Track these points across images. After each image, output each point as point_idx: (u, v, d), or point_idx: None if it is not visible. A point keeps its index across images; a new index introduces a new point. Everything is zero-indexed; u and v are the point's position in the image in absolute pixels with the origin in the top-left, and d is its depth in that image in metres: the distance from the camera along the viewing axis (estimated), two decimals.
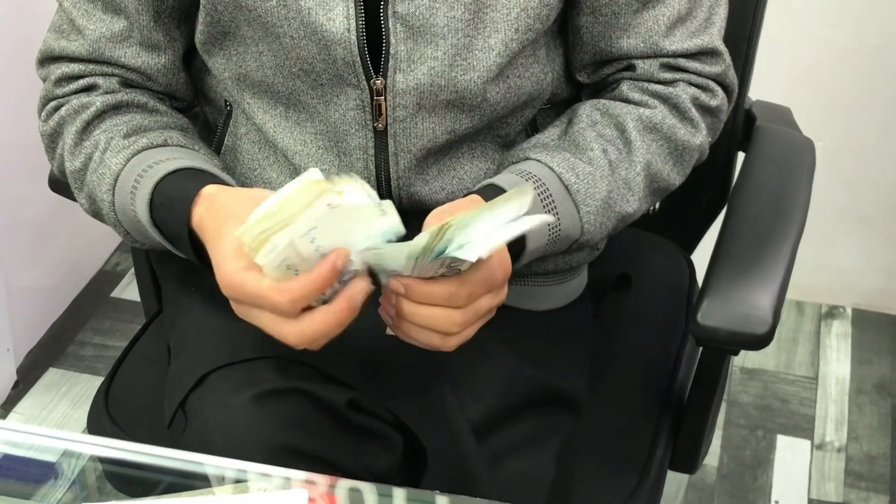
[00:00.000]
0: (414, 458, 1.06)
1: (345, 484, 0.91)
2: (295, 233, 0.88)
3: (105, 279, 2.35)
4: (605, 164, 1.10)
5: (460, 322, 0.95)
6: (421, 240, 0.89)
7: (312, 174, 0.89)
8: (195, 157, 1.08)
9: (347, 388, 1.02)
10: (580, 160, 1.09)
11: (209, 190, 1.02)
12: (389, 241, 0.92)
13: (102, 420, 1.25)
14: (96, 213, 1.13)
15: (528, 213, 1.03)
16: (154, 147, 1.09)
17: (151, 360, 1.28)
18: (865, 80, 2.11)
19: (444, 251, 0.90)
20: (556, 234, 1.07)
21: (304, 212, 0.87)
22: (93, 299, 2.30)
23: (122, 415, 1.25)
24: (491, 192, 1.05)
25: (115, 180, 1.08)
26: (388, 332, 0.99)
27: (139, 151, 1.08)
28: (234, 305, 0.95)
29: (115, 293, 2.32)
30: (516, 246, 1.04)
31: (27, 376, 2.12)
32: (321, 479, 0.91)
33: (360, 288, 0.91)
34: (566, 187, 1.07)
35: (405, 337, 0.97)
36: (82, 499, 0.98)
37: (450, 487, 1.06)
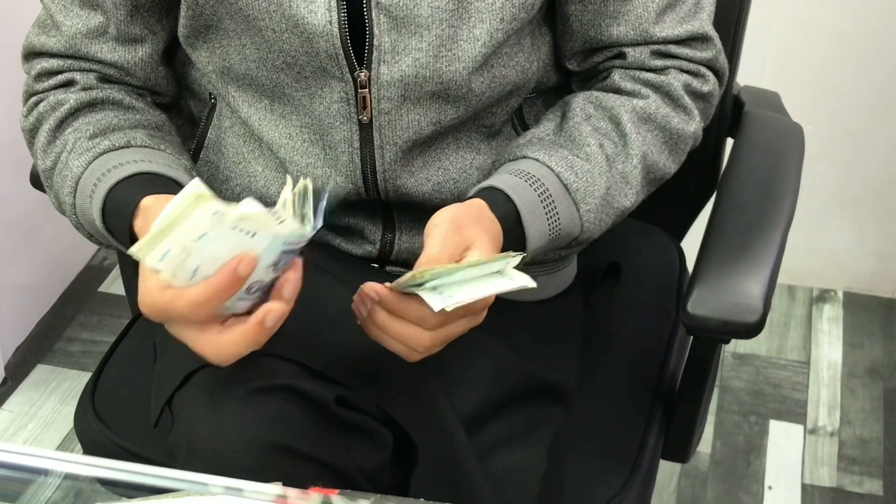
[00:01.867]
0: (404, 455, 1.05)
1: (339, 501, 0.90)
2: (184, 237, 0.86)
3: (92, 274, 2.34)
4: (602, 160, 1.09)
5: (427, 345, 0.95)
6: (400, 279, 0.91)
7: (195, 187, 0.87)
8: (156, 159, 1.07)
9: (336, 384, 1.01)
10: (578, 157, 1.08)
11: (146, 202, 1.00)
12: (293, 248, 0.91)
13: (89, 418, 1.24)
14: (63, 213, 1.13)
15: (525, 219, 1.05)
16: (116, 149, 1.08)
17: (138, 358, 1.27)
18: (854, 62, 2.11)
19: (416, 285, 0.91)
20: (556, 234, 1.07)
21: (189, 217, 0.85)
22: (80, 294, 2.29)
23: (109, 413, 1.24)
24: (490, 196, 1.04)
25: (77, 183, 1.07)
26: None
27: (100, 154, 1.07)
28: (166, 326, 0.94)
29: (103, 288, 2.31)
30: (517, 247, 1.04)
31: (15, 373, 2.11)
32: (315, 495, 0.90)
33: (273, 313, 0.90)
34: (565, 187, 1.07)
35: (372, 337, 0.98)
36: (73, 496, 0.97)
37: (441, 482, 1.05)
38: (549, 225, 1.06)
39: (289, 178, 0.92)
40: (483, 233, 0.99)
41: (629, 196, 1.11)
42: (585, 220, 1.08)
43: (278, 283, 0.92)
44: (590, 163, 1.08)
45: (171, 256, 0.87)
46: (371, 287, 0.95)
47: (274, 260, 0.90)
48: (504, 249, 1.02)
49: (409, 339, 0.95)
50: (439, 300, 0.90)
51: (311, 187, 0.92)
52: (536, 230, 1.05)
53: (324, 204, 0.93)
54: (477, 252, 0.96)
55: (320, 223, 0.92)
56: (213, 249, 0.87)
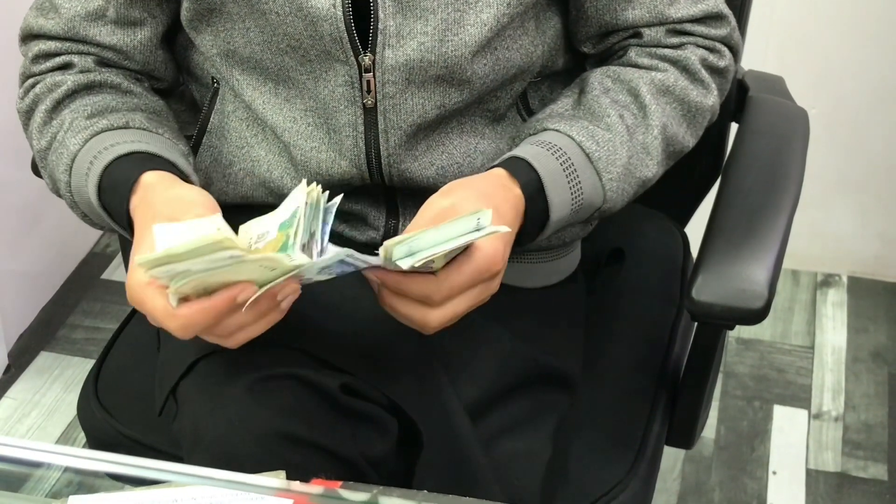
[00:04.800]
0: (409, 442, 1.05)
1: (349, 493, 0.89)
2: (195, 267, 0.86)
3: (95, 261, 2.34)
4: (623, 130, 1.09)
5: (435, 322, 0.96)
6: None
7: (215, 228, 0.88)
8: (154, 141, 1.07)
9: (340, 372, 1.01)
10: (598, 127, 1.09)
11: (147, 178, 1.01)
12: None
13: (92, 407, 1.23)
14: (58, 193, 1.12)
15: (548, 188, 1.04)
16: (114, 129, 1.08)
17: (141, 345, 1.27)
18: (858, 46, 2.10)
19: (391, 257, 0.91)
20: (578, 204, 1.07)
21: (204, 256, 0.85)
22: (83, 281, 2.29)
23: (113, 401, 1.24)
24: (513, 165, 1.04)
25: (72, 161, 1.07)
26: None
27: (98, 133, 1.07)
28: None
29: (106, 275, 2.31)
30: (541, 217, 1.04)
31: (18, 360, 2.11)
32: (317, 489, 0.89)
33: (243, 293, 0.90)
34: (587, 155, 1.07)
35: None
36: (76, 484, 0.97)
37: (445, 469, 1.05)
38: (572, 194, 1.06)
39: (304, 182, 0.93)
40: (470, 194, 0.99)
41: (650, 167, 1.11)
42: (608, 190, 1.08)
43: None
44: (611, 132, 1.08)
45: (176, 277, 0.88)
46: (372, 273, 0.95)
47: (275, 283, 0.91)
48: (527, 218, 1.02)
49: (416, 318, 0.96)
50: (409, 260, 0.90)
51: (322, 199, 0.94)
52: (559, 199, 1.05)
53: (330, 219, 0.94)
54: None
55: (326, 242, 0.94)
56: (219, 278, 0.88)
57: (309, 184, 0.94)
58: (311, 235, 0.94)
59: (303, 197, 0.93)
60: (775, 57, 2.08)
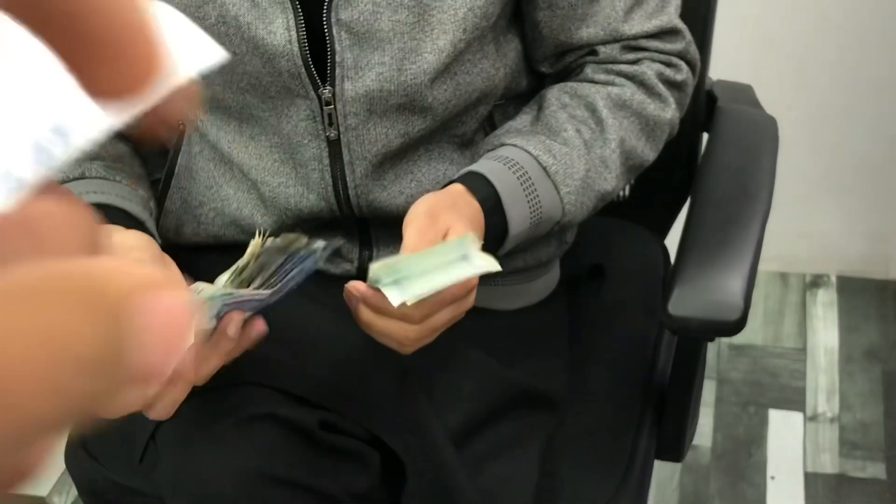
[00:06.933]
0: (393, 474, 1.04)
1: None
2: None
3: None
4: (580, 144, 1.09)
5: (414, 338, 0.95)
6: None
7: None
8: (110, 191, 1.07)
9: (319, 409, 1.00)
10: (555, 142, 1.09)
11: None
12: None
13: (80, 455, 1.22)
14: None
15: (505, 202, 1.04)
16: (69, 181, 1.08)
17: None
18: (834, 44, 2.10)
19: (377, 282, 0.90)
20: (537, 217, 1.07)
21: None
22: None
23: (100, 447, 1.22)
24: (470, 180, 1.05)
25: None
26: None
27: None
28: None
29: None
30: (499, 232, 1.04)
31: None
32: None
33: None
34: (544, 169, 1.07)
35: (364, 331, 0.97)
36: None
37: (431, 498, 1.04)
38: (531, 208, 1.06)
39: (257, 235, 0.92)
40: (458, 216, 0.99)
41: (609, 180, 1.11)
42: (566, 203, 1.08)
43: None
44: (568, 146, 1.09)
45: None
46: (353, 286, 0.95)
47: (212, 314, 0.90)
48: (486, 233, 1.02)
49: (395, 333, 0.95)
50: (397, 294, 0.89)
51: (296, 244, 0.92)
52: (517, 213, 1.05)
53: (307, 264, 0.92)
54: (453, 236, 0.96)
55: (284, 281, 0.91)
56: None
57: (278, 230, 0.93)
58: (250, 279, 0.92)
59: (251, 248, 0.91)
60: (750, 61, 2.08)
